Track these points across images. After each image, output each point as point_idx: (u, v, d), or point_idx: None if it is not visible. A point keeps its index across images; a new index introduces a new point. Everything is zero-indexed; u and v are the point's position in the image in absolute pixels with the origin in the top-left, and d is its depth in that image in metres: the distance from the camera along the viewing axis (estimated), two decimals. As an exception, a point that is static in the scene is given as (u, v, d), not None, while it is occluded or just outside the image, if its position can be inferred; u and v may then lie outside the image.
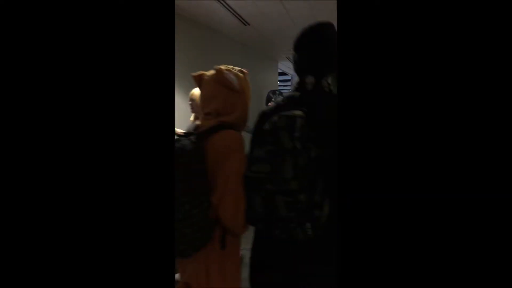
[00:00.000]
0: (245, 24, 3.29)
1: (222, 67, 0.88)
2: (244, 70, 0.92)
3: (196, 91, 1.70)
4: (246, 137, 0.89)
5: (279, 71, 5.82)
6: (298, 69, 0.91)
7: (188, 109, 1.95)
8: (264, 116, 0.85)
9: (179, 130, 1.51)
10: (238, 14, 2.97)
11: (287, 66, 6.04)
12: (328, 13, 2.73)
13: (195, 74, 0.92)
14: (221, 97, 0.85)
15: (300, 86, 0.87)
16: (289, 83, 7.15)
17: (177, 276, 0.92)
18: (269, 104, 2.79)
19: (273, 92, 3.36)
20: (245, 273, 1.03)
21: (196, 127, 0.87)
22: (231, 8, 2.80)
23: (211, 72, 0.88)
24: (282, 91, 6.98)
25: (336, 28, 0.82)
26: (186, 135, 0.81)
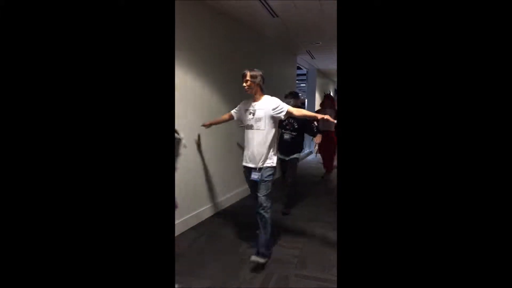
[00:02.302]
0: (273, 16, 3.23)
1: None
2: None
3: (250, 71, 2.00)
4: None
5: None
6: None
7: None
8: None
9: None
10: (269, 6, 2.92)
11: (304, 60, 5.97)
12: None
13: None
14: None
15: None
16: (304, 77, 7.05)
17: None
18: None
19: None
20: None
21: None
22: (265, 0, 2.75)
23: None
24: (298, 85, 6.93)
25: None
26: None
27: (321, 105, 4.64)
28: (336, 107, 4.45)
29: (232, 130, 3.18)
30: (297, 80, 7.75)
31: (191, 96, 2.63)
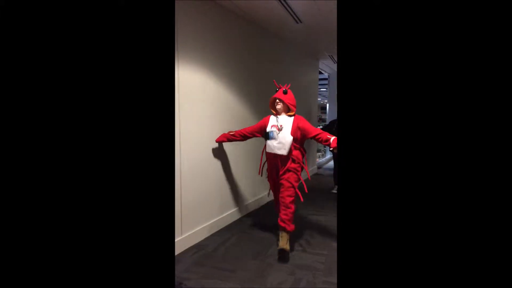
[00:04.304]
0: (297, 22, 3.26)
1: None
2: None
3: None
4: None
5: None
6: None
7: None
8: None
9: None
10: (294, 12, 2.95)
11: (326, 65, 5.94)
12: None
13: None
14: None
15: None
16: (325, 81, 7.00)
17: None
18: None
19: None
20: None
21: None
22: (289, 6, 2.78)
23: None
24: (319, 90, 6.88)
25: None
26: None
27: (271, 105, 2.39)
28: (294, 109, 2.32)
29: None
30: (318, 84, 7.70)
31: (214, 100, 2.69)
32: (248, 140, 2.66)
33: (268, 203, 3.51)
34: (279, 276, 1.96)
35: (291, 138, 2.24)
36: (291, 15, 3.00)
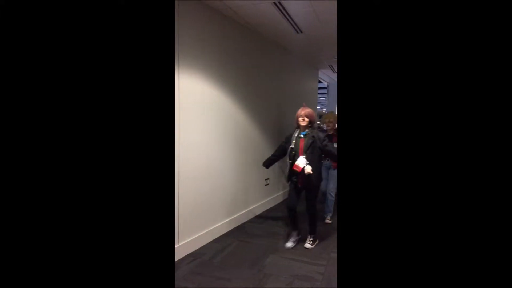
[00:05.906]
0: (298, 33, 3.29)
1: None
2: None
3: None
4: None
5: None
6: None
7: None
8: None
9: None
10: (295, 23, 2.98)
11: (325, 74, 5.98)
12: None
13: None
14: None
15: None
16: (325, 90, 7.05)
17: None
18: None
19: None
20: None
21: None
22: (290, 17, 2.81)
23: None
24: (318, 99, 6.92)
25: None
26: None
27: None
28: None
29: (264, 144, 3.22)
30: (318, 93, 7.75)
31: (213, 105, 2.70)
32: (250, 148, 2.66)
33: (267, 210, 3.49)
34: (277, 286, 1.93)
35: None
36: (292, 26, 3.03)
